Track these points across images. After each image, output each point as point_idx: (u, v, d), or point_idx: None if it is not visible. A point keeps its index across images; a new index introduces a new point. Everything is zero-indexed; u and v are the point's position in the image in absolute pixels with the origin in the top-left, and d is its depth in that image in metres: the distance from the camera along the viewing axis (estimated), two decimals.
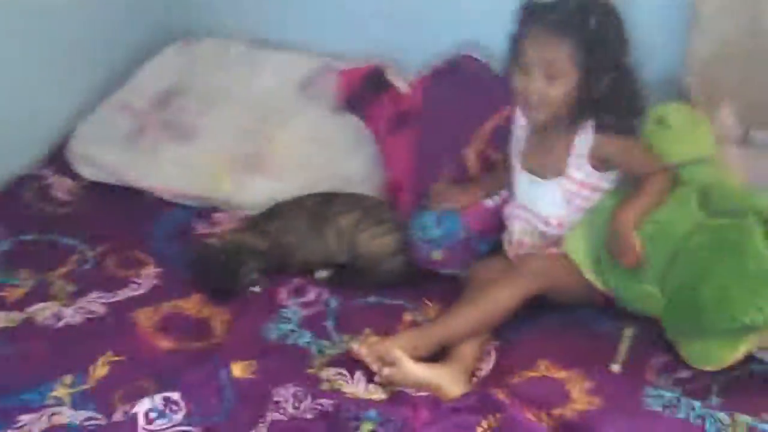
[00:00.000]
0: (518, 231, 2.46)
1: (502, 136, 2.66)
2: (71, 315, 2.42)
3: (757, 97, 2.71)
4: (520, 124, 2.49)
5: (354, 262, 2.63)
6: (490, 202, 2.63)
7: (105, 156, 2.96)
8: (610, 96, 2.30)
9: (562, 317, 2.42)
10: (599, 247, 2.34)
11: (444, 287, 2.59)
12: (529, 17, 2.30)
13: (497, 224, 2.62)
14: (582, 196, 2.39)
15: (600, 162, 2.37)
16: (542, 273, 2.35)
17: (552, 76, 2.27)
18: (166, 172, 2.91)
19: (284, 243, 2.63)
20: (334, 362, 2.29)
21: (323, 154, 2.91)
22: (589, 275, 2.36)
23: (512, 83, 2.36)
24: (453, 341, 2.29)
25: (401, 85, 2.95)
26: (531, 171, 2.44)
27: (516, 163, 2.48)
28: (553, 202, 2.41)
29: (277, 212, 2.71)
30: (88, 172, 2.98)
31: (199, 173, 2.90)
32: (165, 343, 2.36)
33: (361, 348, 2.24)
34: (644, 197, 2.31)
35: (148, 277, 2.59)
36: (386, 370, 2.19)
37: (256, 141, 2.94)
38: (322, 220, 2.66)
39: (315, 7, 3.24)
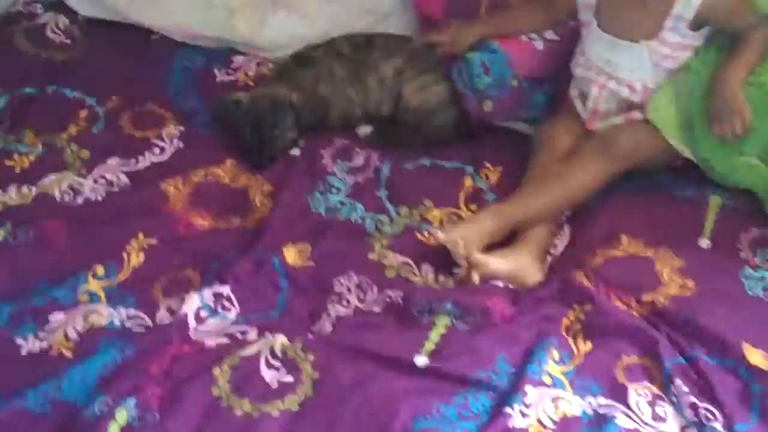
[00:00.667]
0: (595, 96, 2.18)
1: None
2: (90, 188, 2.15)
3: None
4: None
5: (400, 115, 2.35)
6: (539, 44, 2.35)
7: None
8: None
9: (640, 183, 2.20)
10: (689, 112, 2.10)
11: (501, 143, 2.36)
12: None
13: (552, 69, 2.36)
14: (672, 58, 2.11)
15: (700, 22, 2.07)
16: (632, 151, 2.12)
17: None
18: (176, 7, 2.55)
19: (320, 95, 2.34)
20: (396, 246, 2.07)
21: None
22: (677, 143, 2.12)
23: None
24: (533, 223, 2.06)
25: None
26: (613, 32, 2.13)
27: (590, 18, 2.17)
28: (639, 66, 2.13)
29: (308, 59, 2.40)
30: (84, 8, 2.60)
31: (214, 9, 2.54)
32: (201, 221, 2.11)
33: (444, 236, 2.00)
34: (749, 54, 2.04)
35: (170, 137, 2.29)
36: (473, 274, 1.96)
37: None
38: (362, 68, 2.37)
39: None
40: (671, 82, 2.14)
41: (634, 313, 1.92)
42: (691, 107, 2.09)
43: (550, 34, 2.36)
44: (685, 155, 2.14)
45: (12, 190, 2.11)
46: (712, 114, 2.05)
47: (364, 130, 2.35)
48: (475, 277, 1.95)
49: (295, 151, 2.28)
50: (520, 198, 2.09)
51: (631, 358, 1.83)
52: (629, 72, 2.14)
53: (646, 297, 1.93)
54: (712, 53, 2.11)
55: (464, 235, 1.98)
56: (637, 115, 2.16)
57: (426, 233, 2.09)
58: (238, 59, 2.55)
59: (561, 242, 2.11)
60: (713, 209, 2.12)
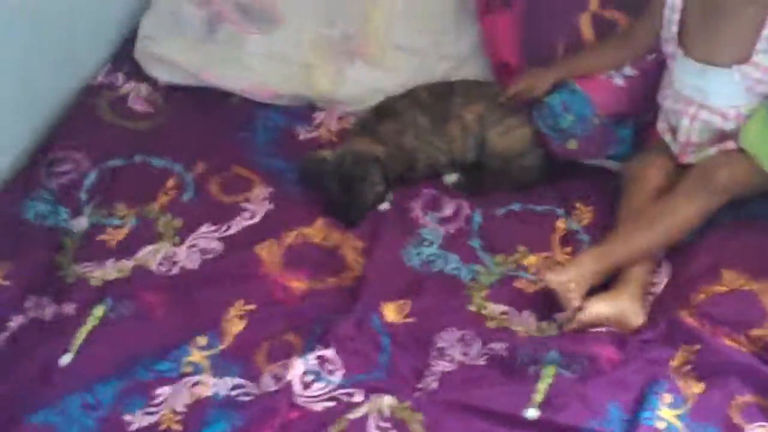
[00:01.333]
0: (686, 128, 2.14)
1: None
2: (186, 257, 2.16)
3: None
4: (674, 1, 2.13)
5: (486, 160, 2.35)
6: (619, 80, 2.32)
7: (179, 54, 2.61)
8: None
9: (737, 213, 2.15)
10: None
11: (590, 182, 2.33)
12: None
13: (634, 104, 2.33)
14: (765, 83, 2.07)
15: None
16: (730, 183, 2.08)
17: None
18: (253, 68, 2.58)
19: (405, 146, 2.34)
20: (494, 295, 2.05)
21: (427, 33, 2.56)
22: None
23: None
24: (634, 262, 2.02)
25: None
26: (700, 58, 2.09)
27: (673, 48, 2.14)
28: (731, 92, 2.08)
29: (389, 110, 2.40)
30: (163, 75, 2.64)
31: (291, 66, 2.57)
32: (297, 283, 2.11)
33: (554, 279, 1.98)
34: None
35: (259, 200, 2.30)
36: (579, 315, 1.94)
37: (349, 21, 2.59)
38: (444, 116, 2.36)
39: None
40: (765, 107, 2.09)
41: (744, 350, 1.87)
42: None
43: (628, 70, 2.32)
44: None
45: (109, 265, 2.13)
46: None
47: (451, 178, 2.34)
48: (581, 321, 1.92)
49: (385, 206, 2.27)
50: (620, 238, 2.06)
51: (745, 398, 1.79)
52: (721, 99, 2.10)
53: (755, 332, 1.89)
54: None
55: (570, 278, 1.95)
56: (730, 144, 2.12)
57: (528, 279, 2.06)
58: (319, 115, 2.56)
59: (661, 280, 2.07)
60: None
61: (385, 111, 2.40)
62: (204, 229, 2.22)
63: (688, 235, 2.09)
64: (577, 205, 2.25)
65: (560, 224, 2.21)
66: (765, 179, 2.10)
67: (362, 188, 2.23)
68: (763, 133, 2.08)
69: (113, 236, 2.21)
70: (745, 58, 2.04)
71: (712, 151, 2.14)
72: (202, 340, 1.96)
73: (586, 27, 2.37)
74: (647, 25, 2.24)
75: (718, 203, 2.08)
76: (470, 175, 2.35)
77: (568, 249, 2.16)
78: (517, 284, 2.07)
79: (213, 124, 2.53)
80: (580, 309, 1.93)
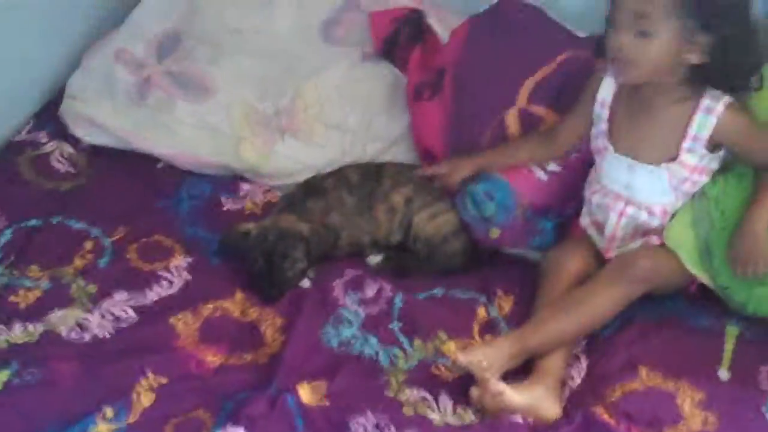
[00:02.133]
0: (613, 224, 2.17)
1: (549, 90, 2.38)
2: (98, 325, 2.10)
3: None
4: (605, 97, 2.17)
5: (411, 244, 2.34)
6: (542, 174, 2.34)
7: (107, 116, 2.58)
8: (727, 61, 1.97)
9: (655, 310, 2.17)
10: (707, 241, 2.08)
11: (513, 271, 2.33)
12: None
13: (557, 198, 2.35)
14: (691, 181, 2.11)
15: (717, 144, 2.07)
16: (650, 275, 2.09)
17: (644, 32, 1.95)
18: (181, 135, 2.55)
19: (329, 224, 2.32)
20: (412, 380, 2.02)
21: (360, 113, 2.56)
22: (695, 270, 2.10)
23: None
24: (549, 351, 2.02)
25: (442, 32, 2.60)
26: (629, 154, 2.12)
27: (604, 143, 2.17)
28: (659, 189, 2.12)
29: (316, 188, 2.39)
30: (88, 136, 2.60)
31: (220, 136, 2.55)
32: (212, 357, 2.06)
33: (465, 358, 1.96)
34: None
35: (178, 269, 2.26)
36: (487, 399, 1.92)
37: (281, 96, 2.58)
38: (371, 197, 2.36)
39: None
40: (690, 207, 2.13)
41: None
42: (709, 236, 2.08)
43: (552, 166, 2.35)
44: (704, 282, 2.11)
45: (17, 328, 2.07)
46: (733, 255, 2.03)
47: (375, 259, 2.33)
48: (493, 400, 1.92)
49: (306, 283, 2.24)
50: (537, 324, 2.06)
51: None
52: (648, 196, 2.13)
53: None
54: (732, 181, 2.10)
55: (482, 357, 1.94)
56: (654, 239, 2.15)
57: (442, 366, 2.04)
58: (245, 187, 2.53)
59: (578, 374, 2.07)
60: (731, 339, 2.08)
61: (312, 188, 2.39)
62: (119, 296, 2.17)
63: (604, 324, 2.09)
64: (499, 293, 2.24)
65: (481, 311, 2.20)
66: (684, 276, 2.13)
67: (284, 265, 2.20)
68: (686, 232, 2.11)
69: (24, 298, 2.14)
70: (672, 157, 2.07)
71: (636, 244, 2.17)
72: (109, 412, 1.90)
73: (512, 122, 2.39)
74: (571, 125, 2.27)
75: (636, 293, 2.09)
76: (394, 258, 2.33)
77: (488, 337, 2.14)
78: (435, 370, 2.04)
79: (136, 189, 2.49)
80: (498, 394, 1.91)
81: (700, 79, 2.00)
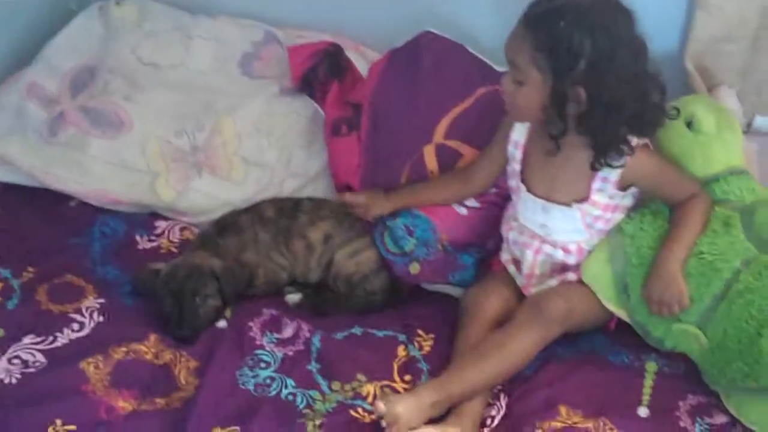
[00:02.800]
0: (530, 261, 2.16)
1: (466, 124, 2.38)
2: (4, 369, 2.03)
3: (764, 80, 2.46)
4: (518, 138, 2.16)
5: (331, 281, 2.30)
6: (462, 210, 2.34)
7: (18, 153, 2.51)
8: (606, 113, 1.95)
9: (574, 347, 2.17)
10: (624, 277, 2.09)
11: (433, 308, 2.32)
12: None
13: (477, 233, 2.34)
14: (605, 219, 2.11)
15: (626, 183, 2.08)
16: (566, 314, 2.08)
17: (519, 80, 1.98)
18: (94, 172, 2.49)
19: (245, 261, 2.28)
20: (329, 425, 1.97)
21: (277, 149, 2.53)
22: (612, 307, 2.10)
23: None
24: (472, 395, 2.00)
25: (361, 67, 2.58)
26: (542, 195, 2.12)
27: (518, 184, 2.16)
28: (572, 228, 2.12)
29: (231, 224, 2.35)
30: None
31: (135, 173, 2.49)
32: (123, 403, 2.00)
33: (384, 409, 1.92)
34: (690, 231, 2.05)
35: (90, 311, 2.19)
36: None
37: (199, 131, 2.54)
38: (288, 233, 2.33)
39: None
40: (606, 243, 2.13)
41: None
42: (626, 273, 2.08)
43: (472, 201, 2.34)
44: (621, 317, 2.11)
45: None
46: (647, 295, 2.04)
47: (294, 298, 2.29)
48: None
49: (222, 324, 2.19)
50: (458, 371, 2.03)
51: None
52: (563, 234, 2.13)
53: None
54: (648, 218, 2.11)
55: (404, 409, 1.91)
56: (571, 276, 2.15)
57: (361, 410, 2.00)
58: (161, 224, 2.48)
59: (497, 413, 2.04)
60: (650, 375, 2.09)
61: (227, 225, 2.35)
62: (28, 340, 2.09)
63: (524, 366, 2.07)
64: (419, 331, 2.21)
65: (401, 351, 2.16)
66: (601, 313, 2.13)
67: (195, 302, 2.15)
68: (602, 268, 2.11)
69: None
70: (583, 197, 2.07)
71: (554, 281, 2.16)
72: None
73: (429, 157, 2.37)
74: (486, 166, 2.27)
75: (553, 334, 2.08)
76: (313, 296, 2.30)
77: (408, 377, 2.11)
78: (354, 413, 2.00)
79: (48, 227, 2.43)
80: None
81: (585, 128, 1.99)
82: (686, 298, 2.01)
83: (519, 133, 2.15)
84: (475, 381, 2.00)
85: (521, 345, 2.04)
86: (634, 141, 2.02)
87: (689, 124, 2.16)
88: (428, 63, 2.45)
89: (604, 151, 2.00)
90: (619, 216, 2.12)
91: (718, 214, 2.07)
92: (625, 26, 1.94)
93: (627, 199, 2.11)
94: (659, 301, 2.02)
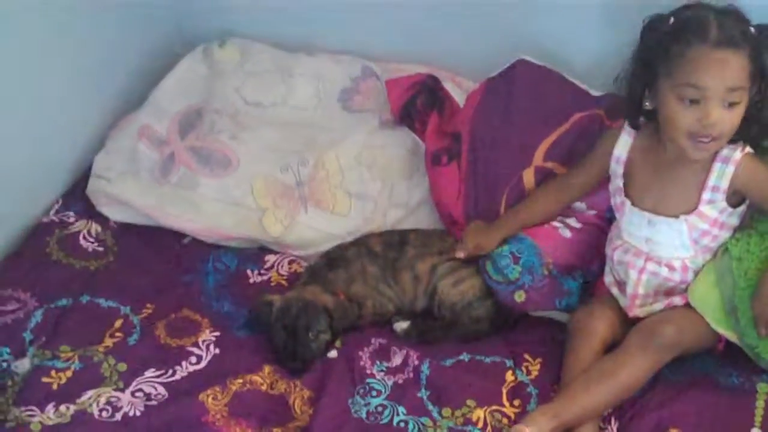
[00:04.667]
0: (634, 280, 2.17)
1: (563, 147, 2.42)
2: (128, 403, 2.11)
3: None
4: (620, 154, 2.19)
5: (436, 310, 2.35)
6: (566, 232, 2.37)
7: (132, 194, 2.61)
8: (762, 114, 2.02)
9: (684, 369, 2.16)
10: (732, 300, 2.08)
11: (539, 333, 2.34)
12: (682, 34, 1.97)
13: (581, 255, 2.37)
14: (712, 235, 2.12)
15: (737, 195, 2.09)
16: (677, 340, 2.09)
17: (733, 102, 1.97)
18: (205, 210, 2.58)
19: (353, 294, 2.34)
20: None
21: (380, 180, 2.59)
22: (722, 330, 2.10)
23: (665, 114, 2.03)
24: (584, 421, 2.02)
25: (458, 97, 2.63)
26: (649, 208, 2.14)
27: (621, 199, 2.18)
28: (679, 243, 2.13)
29: (339, 258, 2.42)
30: (114, 214, 2.64)
31: (243, 209, 2.58)
32: None
33: None
34: None
35: (206, 344, 2.27)
36: None
37: (302, 166, 2.61)
38: (395, 266, 2.38)
39: (342, 7, 2.85)
40: (713, 266, 2.13)
41: None
42: (734, 296, 2.07)
43: (573, 222, 2.38)
44: (732, 341, 2.11)
45: (50, 410, 2.08)
46: (757, 315, 2.03)
47: (402, 325, 2.33)
48: None
49: (333, 354, 2.25)
50: (570, 398, 2.05)
51: None
52: (669, 250, 2.14)
53: None
54: (755, 239, 2.11)
55: None
56: (677, 300, 2.15)
57: None
58: (271, 258, 2.56)
59: None
60: (762, 396, 2.08)
61: (335, 259, 2.42)
62: (149, 373, 2.18)
63: (635, 392, 2.08)
64: (526, 356, 2.24)
65: (509, 376, 2.19)
66: (710, 335, 2.13)
67: (308, 337, 2.22)
68: (710, 291, 2.11)
69: (56, 379, 2.16)
70: (691, 209, 2.08)
71: (660, 305, 2.17)
72: None
73: (528, 179, 2.43)
74: (581, 176, 2.31)
75: (665, 359, 2.09)
76: (420, 324, 2.34)
77: (517, 402, 2.14)
78: None
79: (163, 265, 2.52)
80: None
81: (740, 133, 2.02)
82: None
83: (622, 149, 2.18)
84: (588, 408, 2.02)
85: (632, 372, 2.06)
86: (744, 148, 2.04)
87: None
88: (524, 90, 2.51)
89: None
90: (725, 234, 2.12)
91: None
92: None
93: (734, 218, 2.11)
94: (766, 323, 2.01)
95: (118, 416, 2.08)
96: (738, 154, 2.05)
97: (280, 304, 2.26)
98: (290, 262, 2.55)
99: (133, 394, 2.14)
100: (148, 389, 2.15)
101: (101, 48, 2.74)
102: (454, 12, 2.72)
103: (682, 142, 2.01)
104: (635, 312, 2.20)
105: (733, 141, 2.04)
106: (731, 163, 2.05)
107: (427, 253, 2.38)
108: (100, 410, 2.09)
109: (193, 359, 2.23)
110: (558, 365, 2.20)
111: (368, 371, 2.19)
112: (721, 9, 1.98)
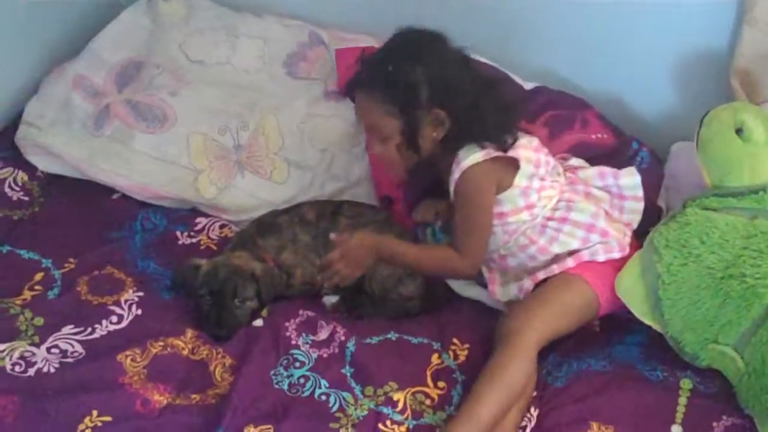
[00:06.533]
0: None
1: None
2: (43, 359, 2.04)
3: None
4: None
5: (367, 284, 2.31)
6: None
7: (63, 144, 2.53)
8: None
9: (607, 360, 2.16)
10: (656, 289, 2.09)
11: (470, 317, 2.31)
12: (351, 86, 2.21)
13: None
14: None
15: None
16: (540, 340, 2.09)
17: (384, 137, 2.15)
18: (138, 166, 2.51)
19: (282, 262, 2.29)
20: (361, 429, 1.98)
21: (319, 150, 2.55)
22: (648, 321, 2.12)
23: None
24: (497, 421, 2.00)
25: None
26: None
27: None
28: None
29: (271, 225, 2.37)
30: (43, 164, 2.55)
31: (177, 168, 2.51)
32: (158, 396, 2.02)
33: None
34: (414, 251, 2.25)
35: (128, 303, 2.21)
36: None
37: (242, 130, 2.56)
38: (326, 237, 2.32)
39: None
40: (638, 258, 2.14)
41: None
42: (658, 288, 2.08)
43: None
44: (657, 329, 2.12)
45: None
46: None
47: (330, 300, 2.30)
48: None
49: (259, 322, 2.20)
50: (467, 414, 1.98)
51: None
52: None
53: None
54: (675, 230, 2.12)
55: None
56: (527, 283, 2.22)
57: (389, 422, 2.01)
58: (202, 221, 2.50)
59: (529, 425, 2.04)
60: (684, 393, 2.07)
61: (266, 225, 2.36)
62: (66, 330, 2.12)
63: (531, 386, 2.07)
64: (455, 340, 2.21)
65: (435, 358, 2.16)
66: (585, 314, 2.17)
67: (233, 304, 2.17)
68: (636, 283, 2.12)
69: None
70: None
71: (514, 290, 2.24)
72: None
73: None
74: None
75: (534, 355, 2.07)
76: (350, 299, 2.30)
77: (441, 384, 2.11)
78: (382, 426, 2.00)
79: (90, 219, 2.45)
80: None
81: (452, 144, 2.14)
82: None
83: None
84: (488, 416, 1.98)
85: (511, 377, 2.02)
86: (465, 164, 2.12)
87: (738, 131, 2.15)
88: None
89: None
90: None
91: (765, 229, 2.04)
92: (441, 43, 2.14)
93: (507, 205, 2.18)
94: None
95: (32, 371, 2.02)
96: (457, 172, 2.12)
97: (207, 268, 2.20)
98: (221, 227, 2.50)
99: (48, 350, 2.07)
100: (64, 346, 2.09)
101: None
102: None
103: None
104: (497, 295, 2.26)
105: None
106: (455, 173, 2.13)
107: (360, 224, 2.35)
108: (13, 364, 2.03)
109: (114, 318, 2.17)
110: (486, 352, 2.17)
111: (293, 342, 2.15)
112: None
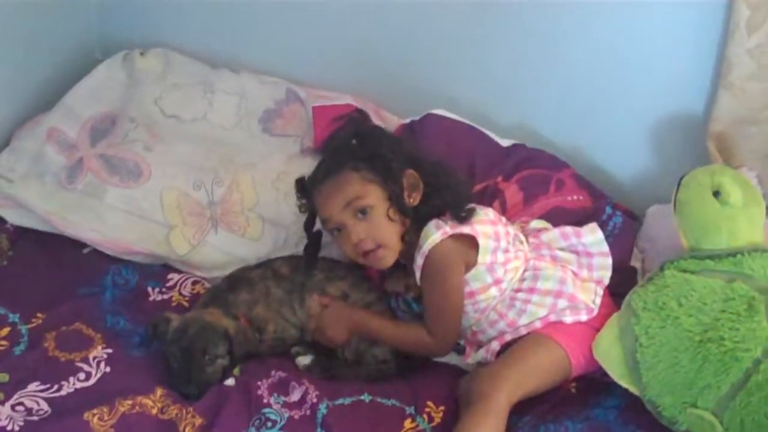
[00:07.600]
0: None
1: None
2: (8, 417, 1.98)
3: None
4: None
5: (339, 351, 2.28)
6: None
7: (35, 198, 2.50)
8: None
9: (585, 422, 2.11)
10: (633, 353, 2.06)
11: (444, 381, 2.26)
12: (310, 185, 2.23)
13: None
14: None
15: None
16: (510, 400, 2.06)
17: (367, 208, 2.16)
18: (110, 221, 2.48)
19: (254, 316, 2.25)
20: None
21: (294, 208, 2.50)
22: (625, 384, 2.09)
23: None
24: None
25: None
26: None
27: None
28: None
29: (242, 280, 2.33)
30: (12, 216, 2.52)
31: (150, 224, 2.48)
32: None
33: None
34: (392, 328, 2.30)
35: (96, 360, 2.15)
36: None
37: (217, 186, 2.53)
38: (303, 290, 2.29)
39: (271, 28, 2.82)
40: (616, 320, 2.13)
41: None
42: (636, 351, 2.06)
43: None
44: (634, 392, 2.09)
45: None
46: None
47: (304, 360, 2.26)
48: None
49: (230, 382, 2.16)
50: None
51: None
52: None
53: None
54: (652, 293, 2.11)
55: None
56: (494, 345, 2.20)
57: None
58: (174, 277, 2.47)
59: None
60: None
61: (238, 280, 2.33)
62: (32, 387, 2.06)
63: None
64: (429, 403, 2.17)
65: (407, 423, 2.12)
66: (556, 376, 2.14)
67: (203, 361, 2.12)
68: (613, 346, 2.10)
69: None
70: None
71: (482, 353, 2.22)
72: None
73: None
74: None
75: (505, 416, 2.04)
76: (324, 360, 2.26)
77: None
78: None
79: (60, 274, 2.40)
80: None
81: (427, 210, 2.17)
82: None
83: None
84: None
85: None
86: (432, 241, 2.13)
87: (716, 194, 2.15)
88: (435, 138, 2.55)
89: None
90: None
91: (743, 293, 2.02)
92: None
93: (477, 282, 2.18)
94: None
95: None
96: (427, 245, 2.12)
97: (178, 324, 2.16)
98: (194, 283, 2.46)
99: (13, 407, 2.01)
100: (30, 404, 2.03)
101: (15, 43, 2.64)
102: (383, 47, 2.68)
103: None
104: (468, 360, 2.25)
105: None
106: (422, 252, 2.14)
107: (336, 277, 2.32)
108: None
109: (82, 375, 2.11)
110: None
111: (265, 400, 2.10)
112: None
